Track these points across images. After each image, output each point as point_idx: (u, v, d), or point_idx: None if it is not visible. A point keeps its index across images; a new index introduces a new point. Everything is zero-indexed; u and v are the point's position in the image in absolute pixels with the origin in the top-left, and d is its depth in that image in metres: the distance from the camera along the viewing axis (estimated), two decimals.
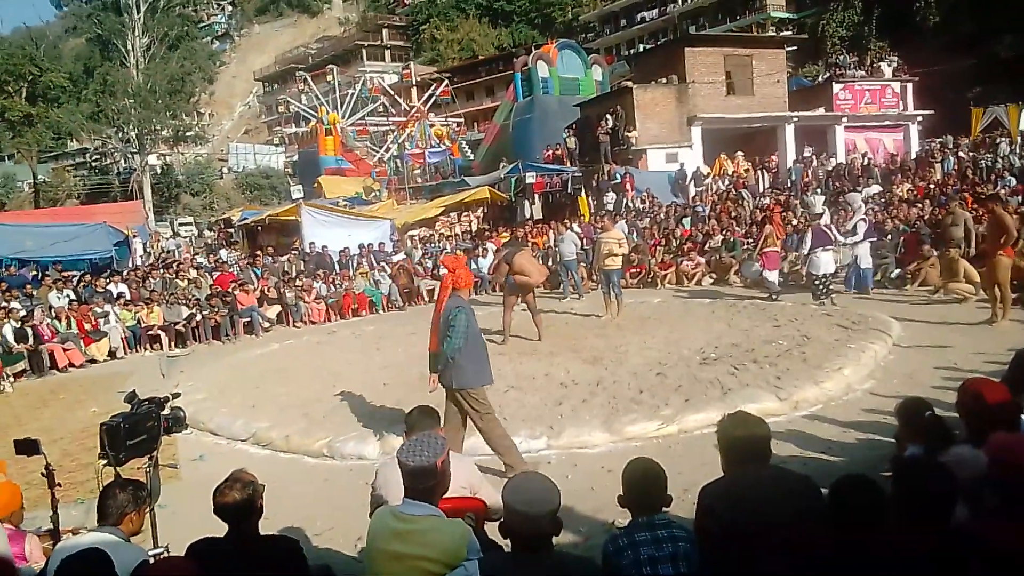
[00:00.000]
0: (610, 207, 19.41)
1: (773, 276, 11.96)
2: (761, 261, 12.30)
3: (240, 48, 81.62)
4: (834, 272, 11.35)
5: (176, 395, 3.96)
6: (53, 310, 12.76)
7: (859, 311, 9.90)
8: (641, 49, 44.45)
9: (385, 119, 45.45)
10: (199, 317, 13.58)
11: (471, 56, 60.58)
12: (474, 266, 16.75)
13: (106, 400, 8.72)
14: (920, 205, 14.31)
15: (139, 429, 3.44)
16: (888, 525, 2.27)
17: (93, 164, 58.79)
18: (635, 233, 16.71)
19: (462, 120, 48.84)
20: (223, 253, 21.34)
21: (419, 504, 2.49)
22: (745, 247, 14.59)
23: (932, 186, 16.64)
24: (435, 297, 16.95)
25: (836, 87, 24.78)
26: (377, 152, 41.66)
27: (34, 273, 15.58)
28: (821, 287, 10.89)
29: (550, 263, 15.12)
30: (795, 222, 13.94)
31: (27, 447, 3.62)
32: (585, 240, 15.86)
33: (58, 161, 60.94)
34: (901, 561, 2.18)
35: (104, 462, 3.37)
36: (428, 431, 3.08)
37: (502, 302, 10.35)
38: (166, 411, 3.66)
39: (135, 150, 40.06)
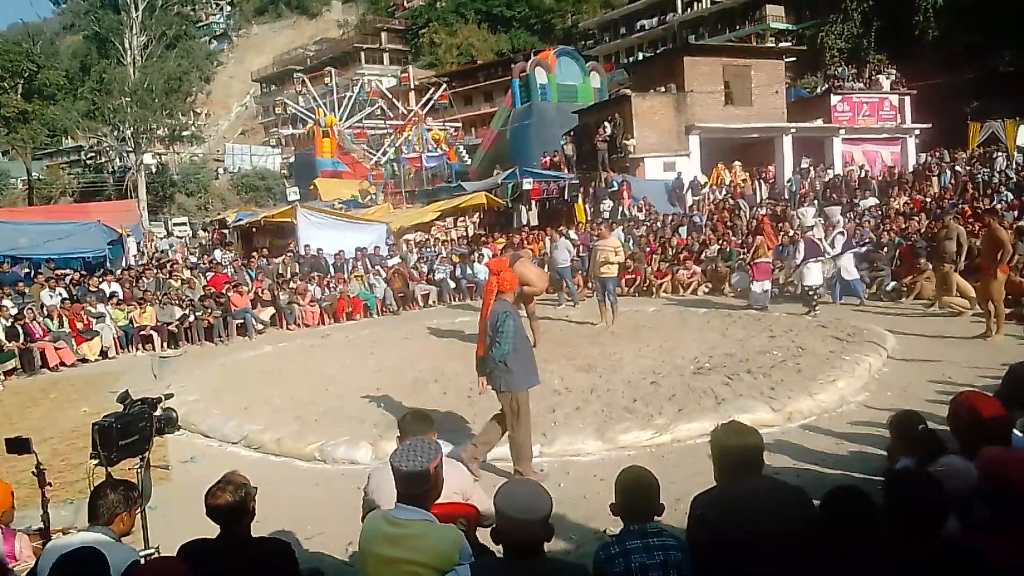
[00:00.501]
0: (607, 215, 19.46)
1: (760, 287, 11.99)
2: (751, 271, 12.35)
3: (238, 48, 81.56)
4: (823, 283, 11.47)
5: (169, 396, 3.92)
6: (45, 308, 12.71)
7: (854, 323, 9.93)
8: (640, 57, 44.61)
9: (382, 122, 45.48)
10: (192, 318, 13.53)
11: (470, 61, 60.71)
12: (469, 271, 16.77)
13: (97, 400, 8.69)
14: (917, 218, 14.36)
15: (131, 429, 3.41)
16: (879, 536, 2.28)
17: (88, 162, 58.69)
18: (631, 241, 16.72)
19: (460, 125, 48.87)
20: (217, 254, 21.27)
21: (411, 509, 2.48)
22: (741, 256, 14.64)
23: (929, 199, 16.72)
24: (431, 302, 17.01)
25: (834, 99, 24.90)
26: (374, 155, 41.68)
27: (27, 271, 15.54)
28: (813, 298, 10.98)
29: (545, 269, 15.11)
30: (791, 233, 13.98)
31: (18, 446, 3.59)
32: (581, 247, 15.86)
33: (53, 158, 60.72)
34: (892, 572, 2.19)
35: (95, 462, 3.33)
36: (421, 436, 3.08)
37: None
38: (158, 412, 3.62)
39: (130, 149, 40.01)
